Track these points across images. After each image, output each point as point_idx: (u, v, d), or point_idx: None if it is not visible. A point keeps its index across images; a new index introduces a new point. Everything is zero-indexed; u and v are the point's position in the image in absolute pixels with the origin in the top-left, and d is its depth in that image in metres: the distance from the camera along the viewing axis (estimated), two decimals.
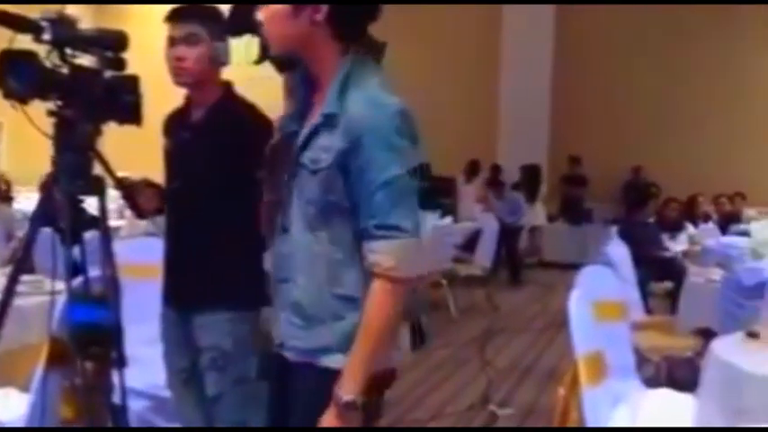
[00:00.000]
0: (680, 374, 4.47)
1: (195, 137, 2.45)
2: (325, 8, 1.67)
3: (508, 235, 9.49)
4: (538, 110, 11.84)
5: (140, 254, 3.36)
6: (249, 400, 2.34)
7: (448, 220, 8.36)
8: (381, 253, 1.60)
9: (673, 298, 6.06)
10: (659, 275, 6.77)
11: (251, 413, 2.35)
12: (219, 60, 2.41)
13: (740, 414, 2.39)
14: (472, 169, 10.93)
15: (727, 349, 2.76)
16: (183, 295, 2.47)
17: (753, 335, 2.88)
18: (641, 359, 4.71)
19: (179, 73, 2.38)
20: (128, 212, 6.76)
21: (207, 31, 2.37)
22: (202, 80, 2.40)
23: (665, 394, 3.11)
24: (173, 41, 2.38)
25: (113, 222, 6.36)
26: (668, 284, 6.61)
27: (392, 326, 1.64)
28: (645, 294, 6.07)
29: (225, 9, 2.38)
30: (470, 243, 8.00)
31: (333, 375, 1.65)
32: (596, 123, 11.98)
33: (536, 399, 4.73)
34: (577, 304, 2.76)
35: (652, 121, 11.84)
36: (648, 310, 5.90)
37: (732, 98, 11.57)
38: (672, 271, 6.46)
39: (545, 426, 4.13)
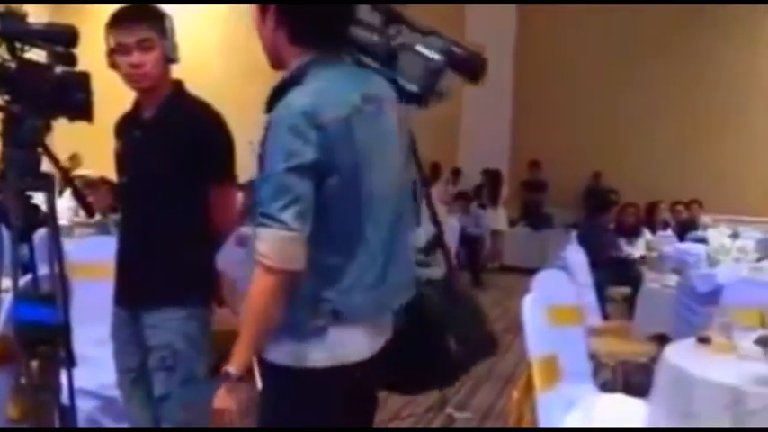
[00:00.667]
0: (635, 380, 4.53)
1: (146, 134, 2.42)
2: (272, 12, 1.78)
3: (470, 240, 9.55)
4: (499, 114, 11.93)
5: (92, 252, 3.32)
6: (196, 400, 2.32)
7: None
8: (259, 239, 1.69)
9: (630, 303, 6.13)
10: (617, 281, 6.85)
11: (197, 413, 2.33)
12: (171, 59, 2.38)
13: (689, 418, 2.42)
14: (433, 173, 10.99)
15: (679, 354, 2.80)
16: (133, 294, 2.44)
17: (704, 340, 2.92)
18: (598, 364, 4.78)
19: (138, 79, 2.36)
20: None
21: (157, 33, 2.34)
22: (158, 82, 2.38)
23: (618, 399, 3.15)
24: (125, 49, 2.33)
25: (70, 220, 6.27)
26: (626, 290, 6.69)
27: (263, 310, 1.72)
28: (602, 299, 6.13)
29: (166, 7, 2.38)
30: (433, 246, 8.01)
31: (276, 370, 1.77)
32: (557, 129, 12.08)
33: (494, 402, 4.76)
34: (532, 308, 2.78)
35: (612, 127, 11.96)
36: (606, 315, 5.96)
37: (690, 107, 11.74)
38: (629, 276, 6.54)
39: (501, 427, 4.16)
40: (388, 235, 1.87)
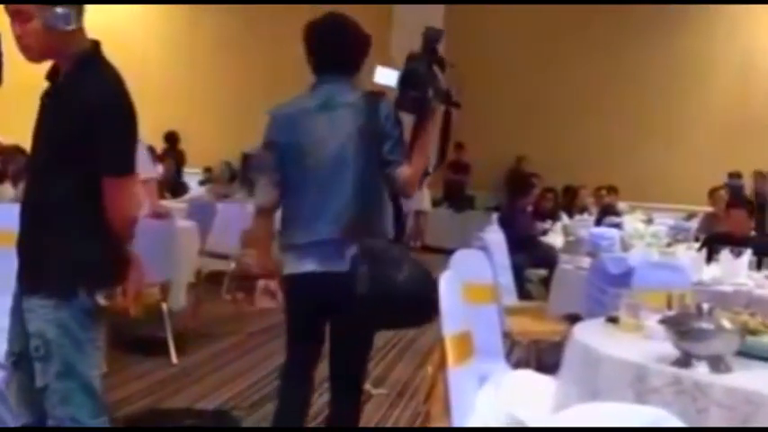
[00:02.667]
0: (548, 358, 4.64)
1: (47, 105, 2.33)
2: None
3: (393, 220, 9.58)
4: None
5: (4, 220, 3.19)
6: (75, 395, 2.27)
7: None
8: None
9: (546, 284, 6.28)
10: (534, 262, 7.00)
11: (78, 408, 2.28)
12: (59, 28, 2.24)
13: (595, 395, 2.48)
14: None
15: (587, 333, 2.87)
16: (19, 273, 2.36)
17: (612, 320, 3.00)
18: (513, 342, 4.88)
19: (23, 50, 2.26)
20: None
21: (35, 2, 2.21)
22: (49, 52, 2.28)
23: (528, 375, 3.21)
24: (10, 20, 2.24)
25: None
26: (543, 271, 6.84)
27: None
28: (521, 280, 6.26)
29: None
30: None
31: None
32: (482, 113, 12.21)
33: (410, 377, 4.81)
34: (447, 285, 2.79)
35: (535, 114, 12.18)
36: (525, 296, 6.09)
37: (610, 97, 12.05)
38: (546, 259, 6.68)
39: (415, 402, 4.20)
40: (325, 192, 2.81)
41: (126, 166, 2.31)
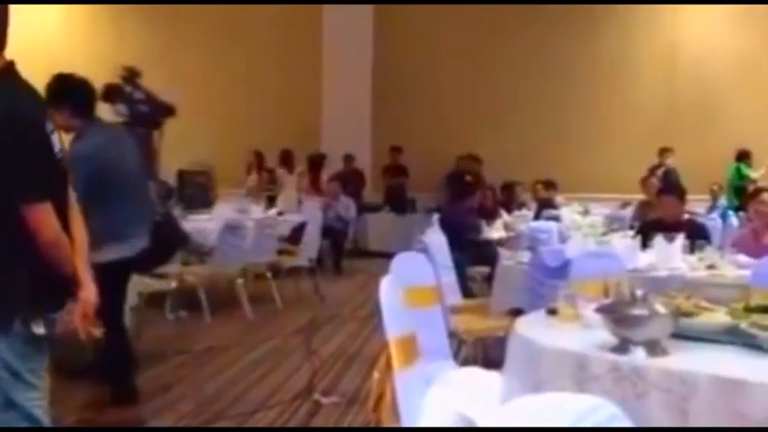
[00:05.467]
0: (494, 353, 4.69)
1: None
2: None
3: (333, 227, 9.58)
4: (359, 103, 12.05)
5: None
6: (17, 426, 2.22)
7: (273, 211, 8.31)
8: None
9: (489, 282, 6.34)
10: (476, 260, 7.06)
11: None
12: None
13: (538, 387, 2.52)
14: (284, 159, 10.93)
15: (528, 326, 2.91)
16: None
17: (552, 312, 3.05)
18: (459, 341, 4.92)
19: None
20: None
21: None
22: None
23: (474, 372, 3.24)
24: None
25: None
26: (485, 269, 6.90)
27: None
28: (464, 279, 6.30)
29: None
30: (296, 235, 8.00)
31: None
32: (417, 116, 12.31)
33: (360, 385, 4.79)
34: (388, 290, 2.80)
35: (471, 114, 12.31)
36: (468, 294, 6.13)
37: (543, 94, 12.26)
38: (487, 256, 6.74)
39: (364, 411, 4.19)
40: (129, 202, 4.11)
41: (30, 194, 2.26)
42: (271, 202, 9.71)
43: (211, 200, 9.81)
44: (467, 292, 6.16)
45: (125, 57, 12.94)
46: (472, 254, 6.99)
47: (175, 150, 11.71)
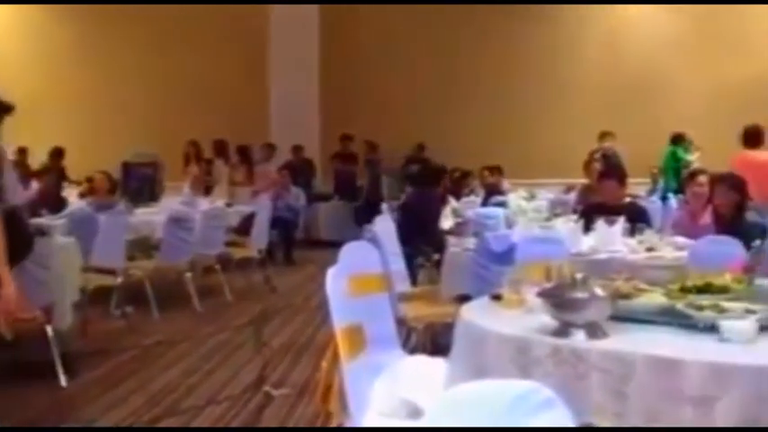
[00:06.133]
0: (443, 340, 4.74)
1: None
2: None
3: (283, 218, 9.55)
4: (307, 91, 12.02)
5: None
6: None
7: (221, 203, 8.24)
8: None
9: (439, 268, 6.39)
10: (426, 248, 7.09)
11: None
12: None
13: (482, 372, 2.56)
14: (218, 150, 10.82)
15: (473, 312, 2.95)
16: None
17: (496, 297, 3.09)
18: (409, 329, 4.95)
19: None
20: None
21: None
22: None
23: (421, 359, 3.27)
24: None
25: None
26: (436, 256, 6.94)
27: None
28: (414, 267, 6.33)
29: None
30: (245, 226, 7.95)
31: None
32: (366, 105, 12.32)
33: (311, 376, 4.79)
34: (334, 280, 2.81)
35: (418, 101, 12.35)
36: (417, 282, 6.17)
37: (487, 77, 12.37)
38: (437, 243, 6.78)
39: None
40: None
41: None
42: (208, 192, 9.61)
43: (158, 192, 9.69)
44: (417, 279, 6.21)
45: (62, 53, 12.73)
46: (424, 240, 7.03)
47: (118, 141, 11.57)
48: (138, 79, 12.45)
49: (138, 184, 9.89)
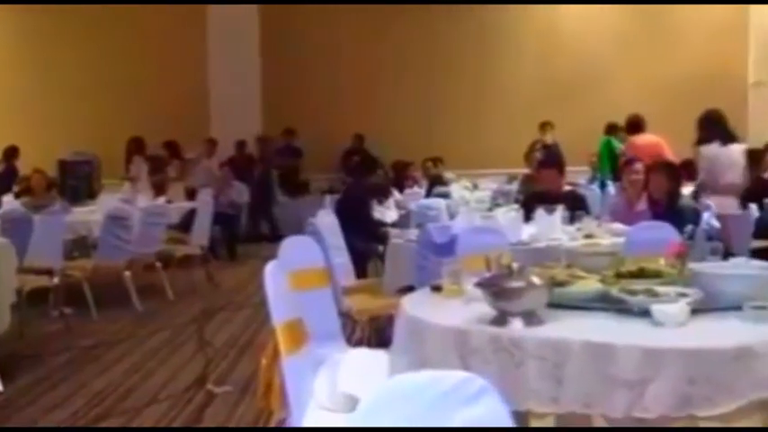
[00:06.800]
0: (386, 333, 4.74)
1: None
2: None
3: (226, 214, 9.44)
4: (248, 85, 11.93)
5: None
6: None
7: (161, 200, 8.11)
8: None
9: (383, 261, 6.39)
10: (369, 241, 7.09)
11: None
12: None
13: (424, 363, 2.57)
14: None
15: (414, 304, 2.96)
16: None
17: (437, 288, 3.10)
18: (354, 322, 4.95)
19: None
20: None
21: None
22: None
23: (362, 352, 3.27)
24: None
25: None
26: (380, 248, 6.94)
27: None
28: (359, 260, 6.31)
29: None
30: (186, 223, 7.85)
31: None
32: (309, 98, 12.25)
33: (254, 373, 4.74)
34: (272, 276, 2.78)
35: (359, 94, 12.32)
36: (364, 275, 6.15)
37: (426, 69, 12.41)
38: (380, 235, 6.79)
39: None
40: None
41: None
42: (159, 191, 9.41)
43: (97, 190, 9.49)
44: (362, 272, 6.19)
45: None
46: (364, 234, 7.02)
47: (55, 139, 11.30)
48: (77, 78, 12.19)
49: (76, 182, 9.68)
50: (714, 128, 6.69)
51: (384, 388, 1.45)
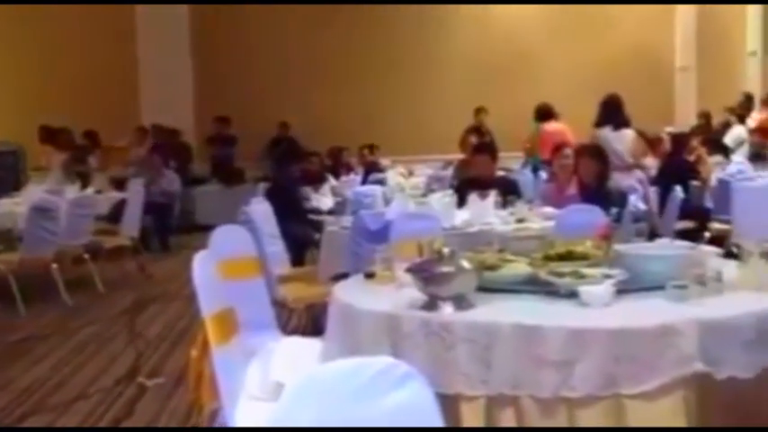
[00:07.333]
0: (322, 321, 4.73)
1: None
2: None
3: (158, 203, 9.26)
4: (180, 77, 11.74)
5: None
6: None
7: (90, 190, 7.91)
8: None
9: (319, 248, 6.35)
10: (305, 228, 7.06)
11: None
12: None
13: (356, 350, 2.56)
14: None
15: (346, 291, 2.95)
16: None
17: (370, 275, 3.10)
18: (290, 310, 4.92)
19: None
20: None
21: None
22: None
23: (295, 341, 3.25)
24: None
25: None
26: (318, 235, 6.91)
27: None
28: (295, 248, 6.28)
29: None
30: (116, 213, 7.67)
31: None
32: (242, 85, 12.10)
33: (187, 365, 4.68)
34: (201, 266, 2.73)
35: (292, 81, 12.21)
36: (301, 263, 6.12)
37: (359, 55, 12.39)
38: (316, 223, 6.76)
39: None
40: None
41: None
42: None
43: (23, 181, 9.21)
44: (298, 260, 6.16)
45: None
46: (300, 221, 6.99)
47: None
48: (2, 69, 11.79)
49: (0, 173, 9.39)
50: (610, 113, 7.10)
51: (308, 376, 1.43)
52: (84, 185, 8.03)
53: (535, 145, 9.19)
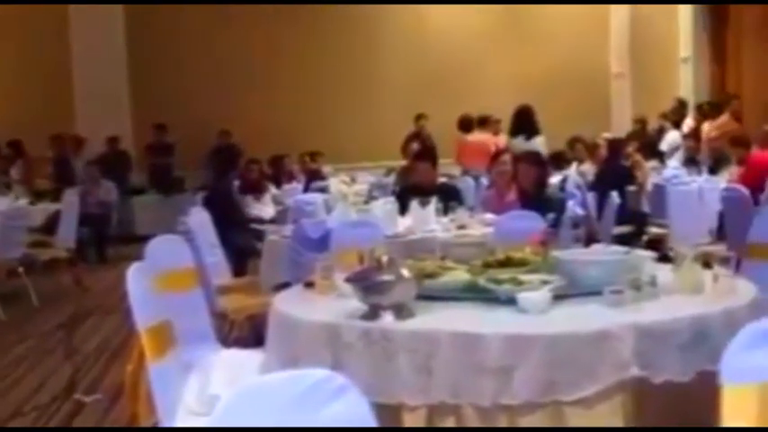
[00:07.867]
0: (264, 331, 4.67)
1: None
2: None
3: (96, 214, 9.06)
4: (116, 83, 11.53)
5: None
6: None
7: (23, 202, 7.70)
8: None
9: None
10: (246, 237, 6.98)
11: None
12: None
13: (296, 361, 2.53)
14: (13, 148, 10.12)
15: (286, 301, 2.92)
16: None
17: (309, 285, 3.07)
18: (231, 321, 4.85)
19: None
20: None
21: None
22: None
23: (235, 353, 3.21)
24: None
25: None
26: (259, 245, 6.84)
27: None
28: (237, 257, 6.20)
29: None
30: (50, 225, 7.47)
31: None
32: (180, 92, 11.92)
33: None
34: (135, 278, 2.68)
35: (232, 88, 12.08)
36: (242, 273, 6.04)
37: (302, 63, 12.34)
38: (258, 232, 6.68)
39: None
40: None
41: None
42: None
43: None
44: (239, 270, 6.08)
45: None
46: (239, 230, 6.91)
47: None
48: None
49: None
50: (522, 122, 7.63)
51: (243, 388, 1.41)
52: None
53: (459, 154, 9.55)
